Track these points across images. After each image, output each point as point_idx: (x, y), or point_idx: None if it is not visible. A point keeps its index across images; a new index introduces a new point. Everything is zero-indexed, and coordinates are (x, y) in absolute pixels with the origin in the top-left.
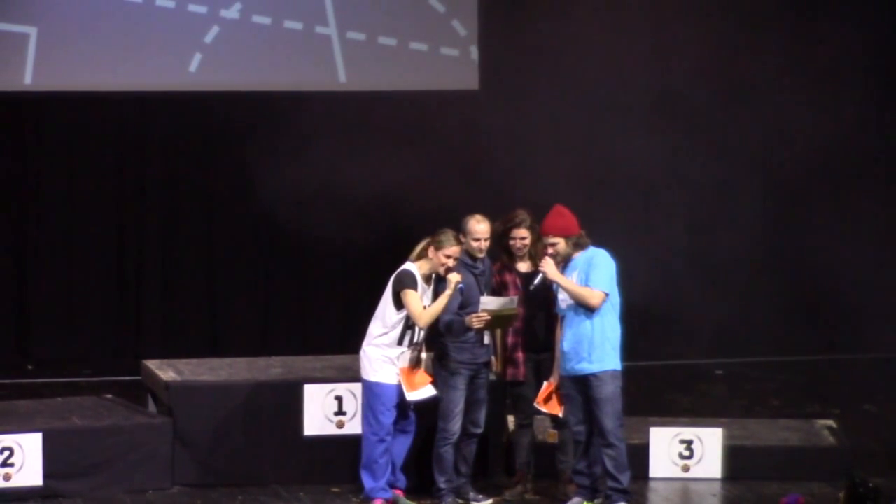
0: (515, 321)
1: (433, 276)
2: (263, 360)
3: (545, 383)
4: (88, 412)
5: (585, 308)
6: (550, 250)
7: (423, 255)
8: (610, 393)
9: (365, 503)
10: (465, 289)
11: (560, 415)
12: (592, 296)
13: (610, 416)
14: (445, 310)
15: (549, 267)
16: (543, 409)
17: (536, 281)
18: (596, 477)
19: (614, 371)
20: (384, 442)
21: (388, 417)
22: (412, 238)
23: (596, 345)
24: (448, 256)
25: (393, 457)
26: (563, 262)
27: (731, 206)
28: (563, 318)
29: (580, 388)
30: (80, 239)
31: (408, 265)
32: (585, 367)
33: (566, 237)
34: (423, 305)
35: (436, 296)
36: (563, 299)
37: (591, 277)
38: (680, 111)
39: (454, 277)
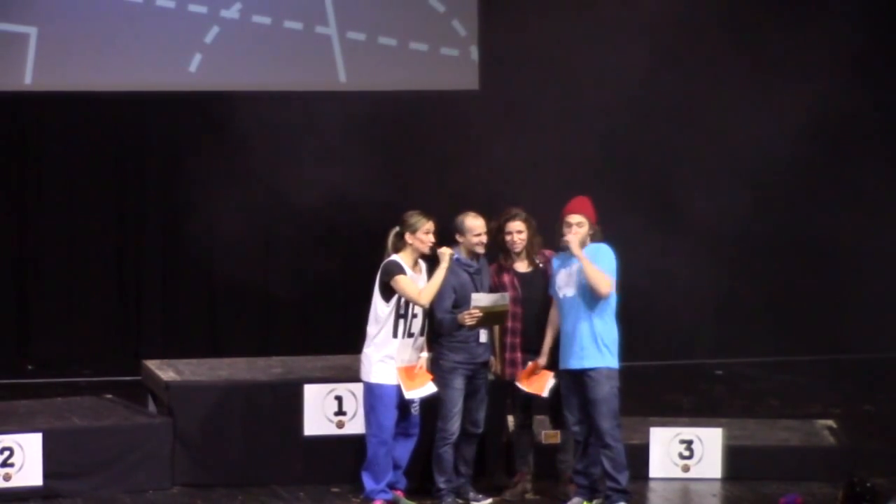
0: (507, 317)
1: (419, 262)
2: (263, 360)
3: (529, 363)
4: (88, 412)
5: (588, 297)
6: (575, 230)
7: (399, 247)
8: (605, 393)
9: (365, 503)
10: (459, 287)
11: (543, 394)
12: (605, 282)
13: (606, 417)
14: (438, 308)
15: (574, 241)
16: (524, 386)
17: (561, 245)
18: (595, 477)
19: (609, 369)
20: (386, 444)
21: (390, 419)
22: None
23: (590, 341)
24: (427, 233)
25: (396, 458)
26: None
27: (731, 207)
28: (566, 301)
29: (577, 388)
30: (81, 239)
31: (393, 256)
32: (578, 363)
33: (589, 222)
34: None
35: (430, 277)
36: (560, 287)
37: (597, 265)
38: (681, 110)
39: (446, 251)
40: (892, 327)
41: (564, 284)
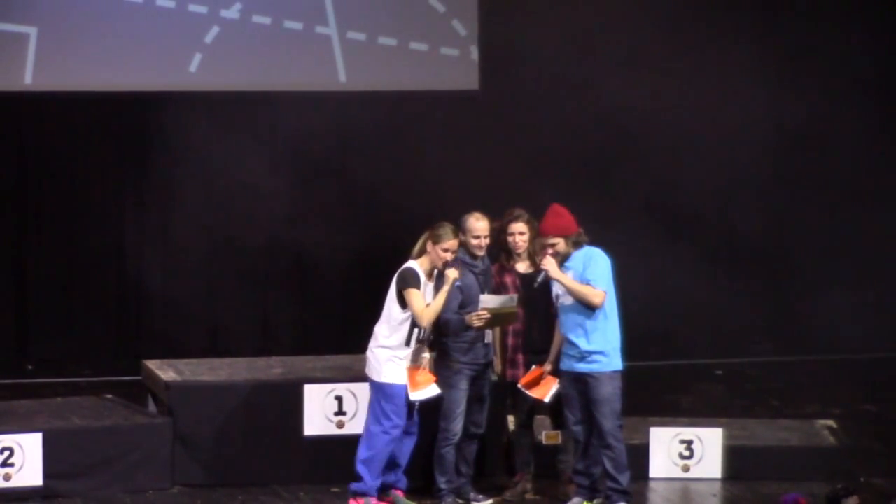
0: (516, 319)
1: (434, 271)
2: (263, 360)
3: (533, 367)
4: (88, 412)
5: (586, 307)
6: (550, 250)
7: (424, 251)
8: (608, 394)
9: (356, 497)
10: (465, 288)
11: (545, 400)
12: (594, 295)
13: (608, 417)
14: (445, 309)
15: (551, 266)
16: (526, 390)
17: (540, 278)
18: (595, 477)
19: (613, 371)
20: (396, 440)
21: (402, 417)
22: (412, 238)
23: (593, 344)
24: (446, 250)
25: (396, 457)
26: (561, 261)
27: (730, 206)
28: (560, 313)
29: (579, 388)
30: (80, 239)
31: (410, 262)
32: (583, 367)
33: (565, 237)
34: (426, 303)
35: (437, 292)
36: (559, 294)
37: (588, 276)
38: (680, 110)
39: (452, 273)
40: (892, 327)
41: (563, 292)
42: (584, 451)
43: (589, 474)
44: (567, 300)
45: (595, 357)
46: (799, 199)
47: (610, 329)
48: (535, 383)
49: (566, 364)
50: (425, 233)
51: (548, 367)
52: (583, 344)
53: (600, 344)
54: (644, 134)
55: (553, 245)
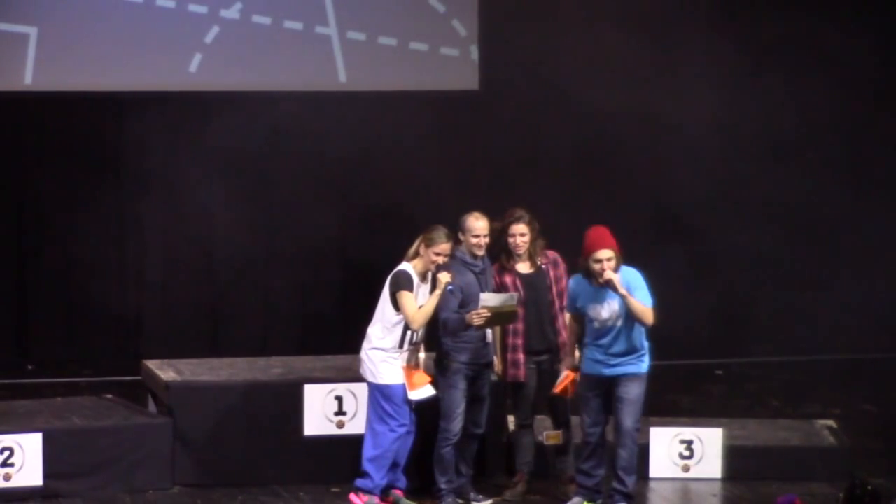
0: (516, 318)
1: (428, 273)
2: (263, 360)
3: (565, 372)
4: (88, 412)
5: (634, 322)
6: (608, 265)
7: (418, 253)
8: (637, 395)
9: (359, 493)
10: (465, 287)
11: (569, 395)
12: (649, 313)
13: (631, 416)
14: (444, 308)
15: (617, 280)
16: (557, 390)
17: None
18: (598, 479)
19: (643, 374)
20: (401, 437)
21: (406, 414)
22: (410, 238)
23: (635, 351)
24: (438, 254)
25: (396, 457)
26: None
27: (730, 206)
28: (605, 327)
29: (603, 391)
30: (80, 239)
31: (403, 265)
32: (619, 370)
33: (615, 253)
34: (419, 305)
35: (431, 294)
36: (604, 318)
37: (639, 298)
38: (681, 111)
39: (444, 278)
40: (892, 327)
41: (610, 317)
42: (591, 452)
43: (593, 475)
44: (619, 322)
45: (630, 359)
46: (798, 199)
47: (644, 336)
48: (563, 388)
49: (594, 368)
50: (420, 236)
51: (569, 361)
52: (627, 352)
53: (640, 350)
54: (644, 134)
55: (609, 259)
